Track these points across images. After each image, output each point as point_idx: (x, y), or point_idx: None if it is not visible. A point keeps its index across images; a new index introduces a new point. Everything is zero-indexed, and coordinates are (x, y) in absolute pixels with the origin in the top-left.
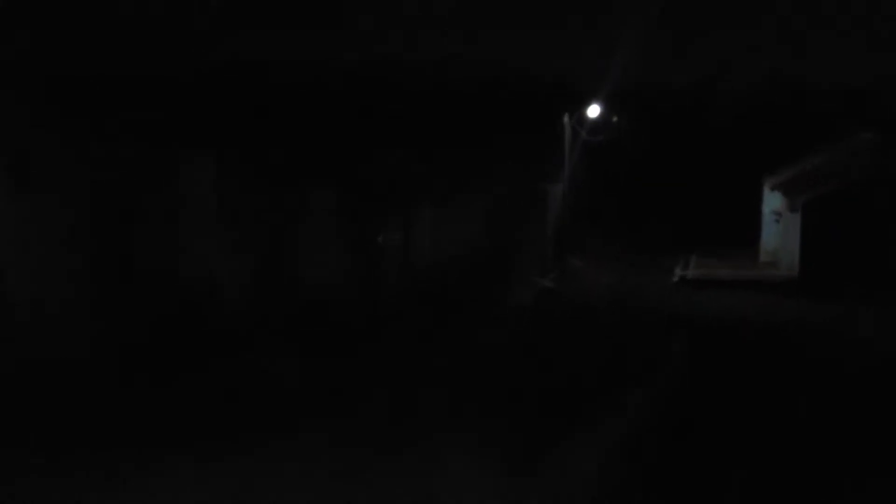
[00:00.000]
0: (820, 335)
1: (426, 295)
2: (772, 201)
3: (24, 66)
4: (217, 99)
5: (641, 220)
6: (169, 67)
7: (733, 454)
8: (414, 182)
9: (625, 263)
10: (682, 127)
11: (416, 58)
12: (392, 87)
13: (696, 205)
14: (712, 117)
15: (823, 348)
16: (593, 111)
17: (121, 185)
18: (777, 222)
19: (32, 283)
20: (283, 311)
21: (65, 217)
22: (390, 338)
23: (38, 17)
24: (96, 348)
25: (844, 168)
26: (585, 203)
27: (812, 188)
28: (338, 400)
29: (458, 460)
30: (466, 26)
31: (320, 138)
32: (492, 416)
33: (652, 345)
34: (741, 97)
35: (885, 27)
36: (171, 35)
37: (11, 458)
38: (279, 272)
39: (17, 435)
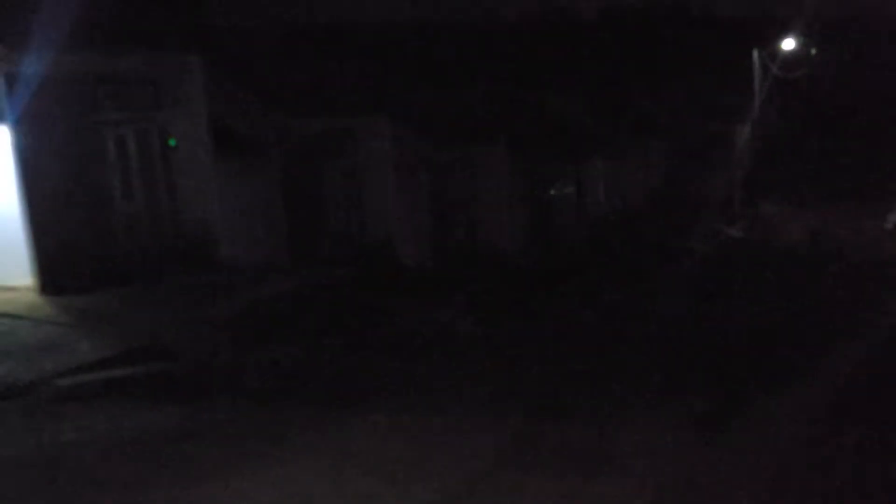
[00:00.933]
0: None
1: (602, 246)
2: None
3: None
4: (384, 61)
5: (840, 163)
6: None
7: None
8: (586, 132)
9: (823, 209)
10: (888, 60)
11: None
12: (560, 36)
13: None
14: None
15: None
16: (788, 44)
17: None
18: None
19: None
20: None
21: None
22: (568, 290)
23: None
24: None
25: None
26: (778, 145)
27: None
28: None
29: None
30: None
31: (489, 96)
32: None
33: (864, 300)
34: None
35: None
36: None
37: None
38: (458, 229)
39: None
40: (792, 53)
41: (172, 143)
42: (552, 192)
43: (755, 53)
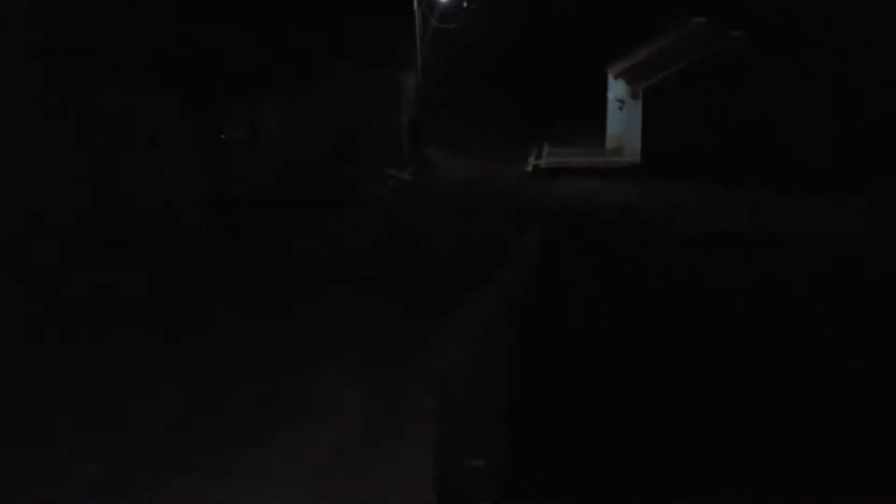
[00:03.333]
0: (655, 211)
1: (276, 190)
2: (616, 89)
3: None
4: None
5: (496, 108)
6: None
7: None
8: (256, 74)
9: (481, 153)
10: (532, 14)
11: None
12: None
13: (548, 93)
14: (559, 5)
15: (659, 222)
16: None
17: None
18: (621, 110)
19: None
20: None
21: None
22: (242, 233)
23: None
24: None
25: (679, 54)
26: (441, 92)
27: (650, 75)
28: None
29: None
30: None
31: (144, 23)
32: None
33: (508, 232)
34: None
35: None
36: None
37: None
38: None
39: None
40: (448, 4)
41: None
42: (222, 136)
43: (414, 4)
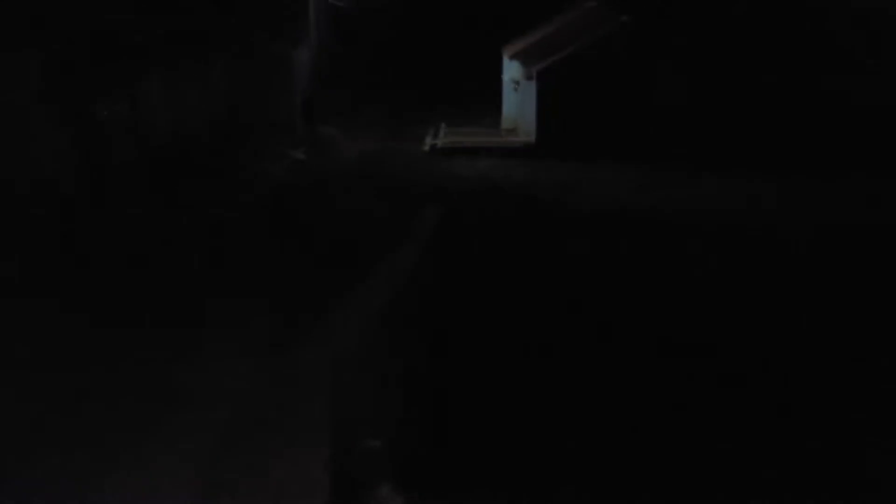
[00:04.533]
0: (547, 191)
1: (161, 171)
2: (511, 70)
3: None
4: None
5: (393, 87)
6: None
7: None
8: (139, 45)
9: (377, 132)
10: None
11: None
12: None
13: (445, 73)
14: None
15: (550, 201)
16: None
17: None
18: (516, 91)
19: None
20: None
21: None
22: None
23: None
24: None
25: (572, 36)
26: (336, 70)
27: (544, 57)
28: None
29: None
30: None
31: None
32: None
33: (404, 213)
34: None
35: None
36: None
37: None
38: None
39: None
40: None
41: None
42: (104, 113)
43: None
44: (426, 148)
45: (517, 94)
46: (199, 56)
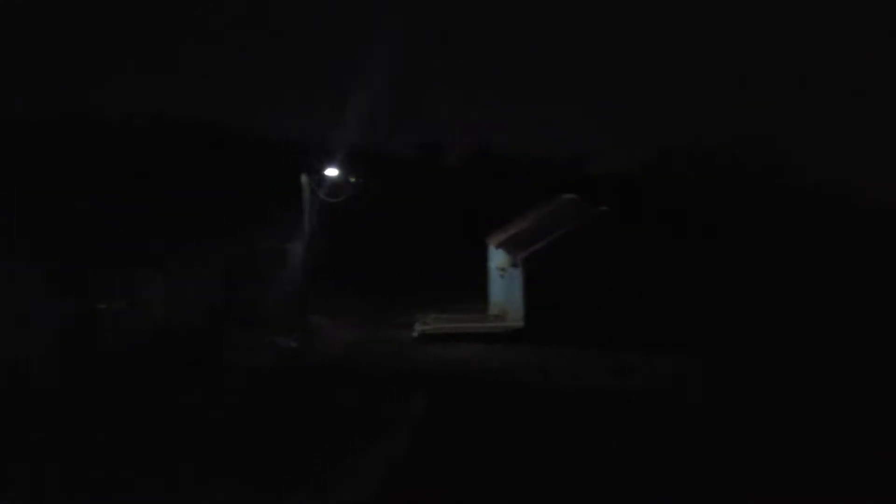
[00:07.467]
0: (532, 373)
1: (155, 361)
2: (497, 258)
3: None
4: None
5: (382, 277)
6: None
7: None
8: (143, 244)
9: (366, 320)
10: (415, 189)
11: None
12: (118, 147)
13: (432, 262)
14: (442, 182)
15: (534, 382)
16: (331, 172)
17: None
18: (503, 277)
19: None
20: None
21: None
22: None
23: None
24: None
25: (554, 225)
26: (327, 261)
27: (528, 245)
28: None
29: None
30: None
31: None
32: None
33: (394, 396)
34: (464, 164)
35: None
36: None
37: None
38: None
39: None
40: (336, 180)
41: None
42: (103, 307)
43: (303, 178)
44: (416, 335)
45: (504, 280)
46: (198, 254)
